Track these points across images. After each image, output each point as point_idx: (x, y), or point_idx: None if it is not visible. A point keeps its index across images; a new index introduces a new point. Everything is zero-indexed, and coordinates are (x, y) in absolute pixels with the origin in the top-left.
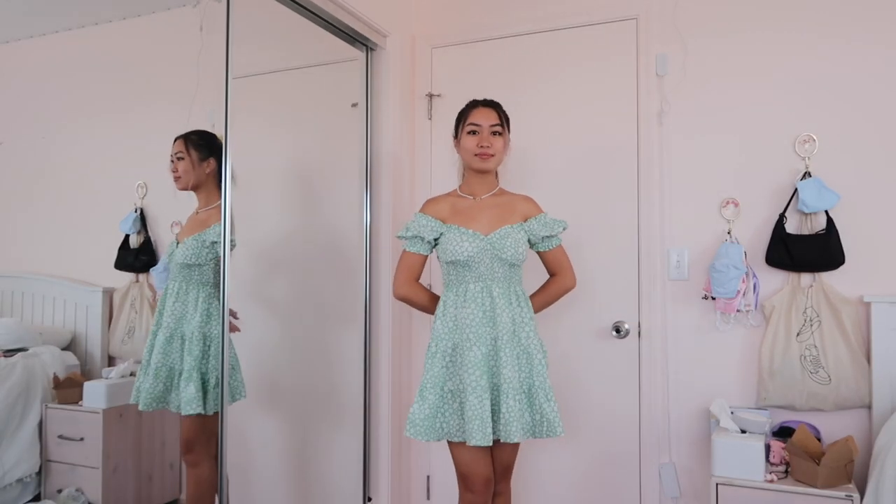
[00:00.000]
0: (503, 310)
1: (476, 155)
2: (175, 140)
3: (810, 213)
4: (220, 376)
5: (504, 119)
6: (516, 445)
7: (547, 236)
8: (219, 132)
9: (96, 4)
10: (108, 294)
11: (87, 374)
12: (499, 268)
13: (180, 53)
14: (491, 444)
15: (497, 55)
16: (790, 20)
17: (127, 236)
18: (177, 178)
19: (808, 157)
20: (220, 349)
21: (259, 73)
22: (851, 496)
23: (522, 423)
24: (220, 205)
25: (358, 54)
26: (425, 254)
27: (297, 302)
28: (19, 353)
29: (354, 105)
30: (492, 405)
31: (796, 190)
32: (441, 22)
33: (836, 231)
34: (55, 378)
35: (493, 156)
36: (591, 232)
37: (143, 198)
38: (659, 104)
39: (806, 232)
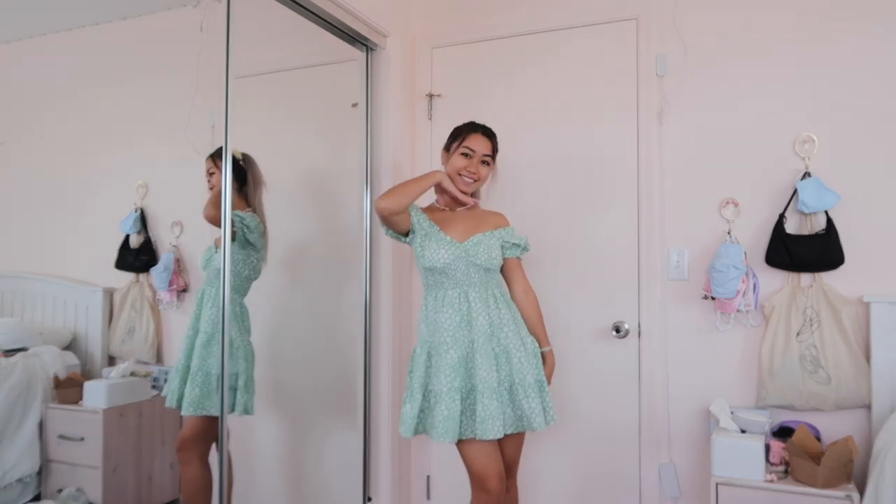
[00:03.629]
0: (479, 313)
1: (461, 175)
2: (209, 157)
3: (810, 214)
4: (220, 377)
5: (495, 151)
6: (520, 442)
7: (513, 244)
8: (218, 132)
9: (96, 4)
10: (109, 294)
11: (88, 374)
12: (474, 273)
13: (180, 53)
14: (455, 441)
15: (497, 55)
16: (790, 20)
17: (127, 236)
18: (211, 188)
19: (808, 157)
20: (221, 350)
21: (259, 73)
22: (851, 496)
23: (503, 419)
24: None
25: (358, 54)
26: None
27: (298, 301)
28: (19, 353)
29: (354, 105)
30: (470, 405)
31: (796, 190)
32: (441, 22)
33: (836, 231)
34: (55, 378)
35: (476, 181)
36: (591, 232)
37: (143, 198)
38: (659, 104)
39: (806, 232)
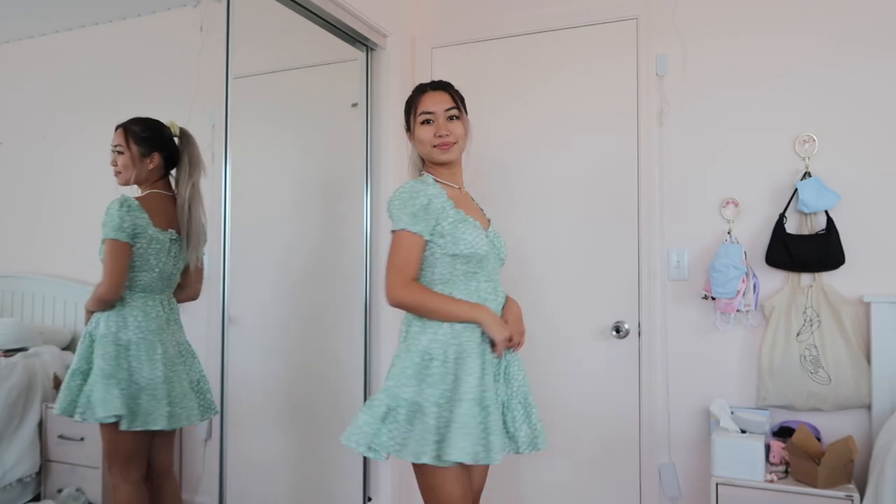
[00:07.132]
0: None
1: (435, 146)
2: (115, 129)
3: (810, 213)
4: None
5: (459, 100)
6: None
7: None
8: (218, 132)
9: (96, 4)
10: None
11: None
12: (497, 267)
13: (180, 53)
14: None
15: (497, 55)
16: (790, 20)
17: None
18: (117, 174)
19: (808, 157)
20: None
21: (259, 73)
22: (851, 496)
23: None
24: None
25: (358, 54)
26: (427, 237)
27: (297, 303)
28: (20, 353)
29: (354, 105)
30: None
31: (796, 190)
32: (441, 22)
33: (836, 231)
34: (55, 378)
35: (454, 143)
36: (591, 232)
37: None
38: (659, 104)
39: (806, 232)
